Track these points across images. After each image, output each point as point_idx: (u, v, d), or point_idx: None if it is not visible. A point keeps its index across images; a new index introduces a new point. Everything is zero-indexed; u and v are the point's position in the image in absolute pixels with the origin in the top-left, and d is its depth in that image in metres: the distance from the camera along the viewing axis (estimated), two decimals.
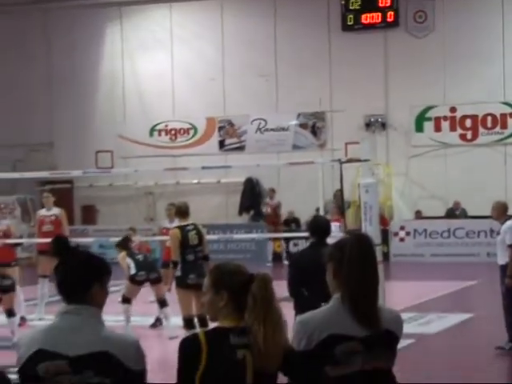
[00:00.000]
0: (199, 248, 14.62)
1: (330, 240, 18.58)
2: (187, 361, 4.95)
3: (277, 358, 5.01)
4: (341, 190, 27.16)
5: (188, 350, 4.98)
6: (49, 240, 19.58)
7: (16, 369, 4.84)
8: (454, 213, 30.10)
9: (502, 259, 14.32)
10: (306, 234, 19.60)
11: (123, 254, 17.33)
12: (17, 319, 16.93)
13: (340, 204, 21.76)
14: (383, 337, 5.34)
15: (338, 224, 20.92)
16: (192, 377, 4.92)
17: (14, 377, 4.92)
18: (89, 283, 5.01)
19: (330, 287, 5.46)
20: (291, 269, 10.53)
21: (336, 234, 17.13)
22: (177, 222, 15.66)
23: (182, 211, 15.07)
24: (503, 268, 14.21)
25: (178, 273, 14.49)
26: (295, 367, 5.12)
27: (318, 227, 10.74)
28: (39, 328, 4.98)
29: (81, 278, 5.05)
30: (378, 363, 5.32)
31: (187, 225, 14.84)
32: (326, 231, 10.74)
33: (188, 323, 14.36)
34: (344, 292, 5.36)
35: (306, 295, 8.98)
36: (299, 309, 5.10)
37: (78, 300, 4.96)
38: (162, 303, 17.10)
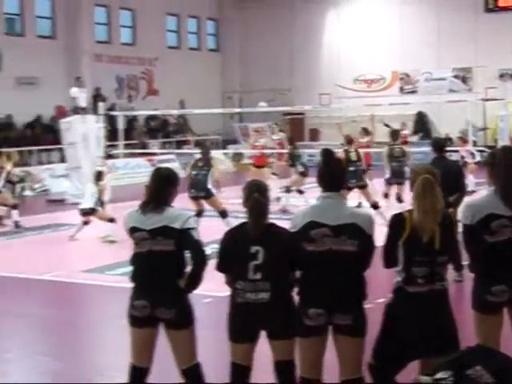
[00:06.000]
0: (359, 163, 14.98)
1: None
2: (395, 229, 4.90)
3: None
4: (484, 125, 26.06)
5: (396, 222, 4.92)
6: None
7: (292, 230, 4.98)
8: None
9: None
10: (454, 148, 19.23)
11: None
12: None
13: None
14: None
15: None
16: (397, 241, 4.86)
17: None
18: (343, 179, 5.07)
19: (488, 183, 5.33)
20: None
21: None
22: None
23: (349, 139, 15.76)
24: None
25: None
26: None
27: (438, 145, 10.00)
28: (308, 206, 5.09)
29: (338, 175, 5.07)
30: None
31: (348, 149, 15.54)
32: (443, 148, 10.00)
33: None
34: (496, 186, 5.21)
35: None
36: None
37: (333, 189, 4.98)
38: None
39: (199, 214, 13.13)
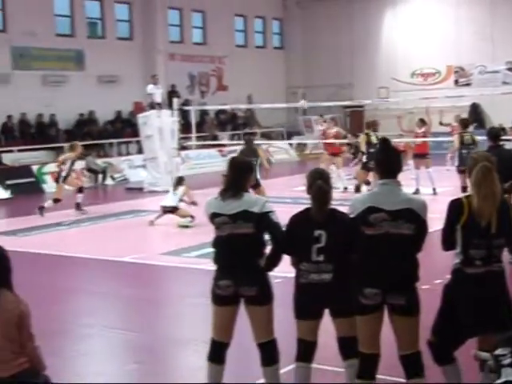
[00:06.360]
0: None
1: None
2: (454, 214, 4.84)
3: None
4: None
5: (454, 207, 4.86)
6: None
7: (351, 216, 4.94)
8: None
9: None
10: (507, 137, 18.90)
11: None
12: None
13: None
14: None
15: None
16: (455, 225, 4.80)
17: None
18: (400, 166, 5.01)
19: None
20: None
21: None
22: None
23: (369, 124, 16.25)
24: None
25: (364, 159, 15.97)
26: None
27: (494, 134, 10.05)
28: (367, 193, 5.26)
29: (395, 163, 5.02)
30: None
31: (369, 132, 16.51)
32: (498, 137, 10.08)
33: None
34: None
35: None
36: None
37: (389, 176, 4.94)
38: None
39: None
